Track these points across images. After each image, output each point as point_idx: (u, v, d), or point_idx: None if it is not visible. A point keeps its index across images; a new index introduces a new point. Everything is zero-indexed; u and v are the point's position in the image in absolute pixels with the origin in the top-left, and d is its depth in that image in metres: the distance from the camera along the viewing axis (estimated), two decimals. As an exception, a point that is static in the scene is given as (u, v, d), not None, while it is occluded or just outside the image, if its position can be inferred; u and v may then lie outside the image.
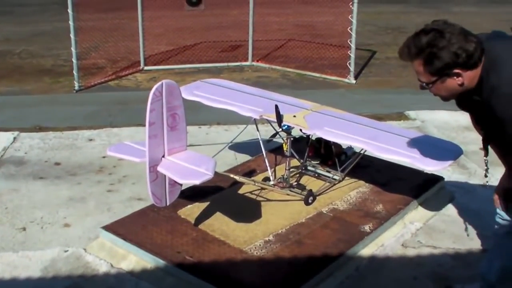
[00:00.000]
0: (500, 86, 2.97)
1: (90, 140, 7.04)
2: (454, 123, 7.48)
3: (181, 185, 4.14)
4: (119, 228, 4.59)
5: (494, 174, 3.83)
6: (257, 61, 11.19)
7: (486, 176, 3.76)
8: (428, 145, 4.67)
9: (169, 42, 12.01)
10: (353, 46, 10.09)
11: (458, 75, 3.05)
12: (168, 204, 4.15)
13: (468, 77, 3.06)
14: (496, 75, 3.01)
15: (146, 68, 10.60)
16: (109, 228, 4.62)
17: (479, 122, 3.44)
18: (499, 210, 3.77)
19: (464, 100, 3.28)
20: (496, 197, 3.75)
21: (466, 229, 4.88)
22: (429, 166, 4.46)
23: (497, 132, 3.14)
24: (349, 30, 10.04)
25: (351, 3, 9.87)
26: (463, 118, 3.60)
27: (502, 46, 3.11)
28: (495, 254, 3.95)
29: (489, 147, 3.50)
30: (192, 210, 4.81)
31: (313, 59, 11.28)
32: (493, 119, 3.07)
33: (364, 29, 13.03)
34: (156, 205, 4.15)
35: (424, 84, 3.15)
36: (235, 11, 12.52)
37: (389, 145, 4.62)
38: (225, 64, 10.99)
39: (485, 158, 3.56)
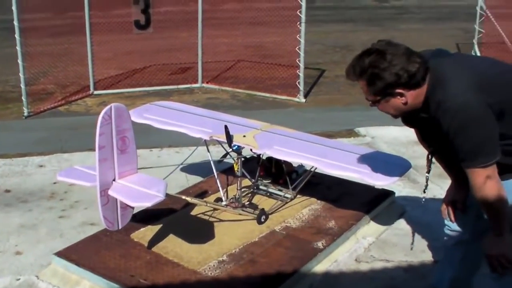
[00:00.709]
0: (446, 101, 3.05)
1: (41, 166, 6.96)
2: (403, 138, 7.58)
3: (133, 208, 4.13)
4: (71, 254, 4.54)
5: (442, 187, 3.91)
6: (207, 82, 11.20)
7: (424, 192, 3.86)
8: (377, 161, 4.72)
9: (119, 66, 11.95)
10: (301, 65, 10.19)
11: (401, 94, 3.14)
12: (120, 227, 4.13)
13: (411, 96, 3.15)
14: (442, 91, 3.09)
15: (96, 92, 10.53)
16: (61, 254, 4.56)
17: (425, 138, 3.53)
18: (447, 221, 3.85)
19: (411, 117, 3.36)
20: (443, 208, 3.83)
21: (412, 243, 4.94)
22: (379, 181, 4.53)
23: (444, 146, 3.21)
24: (297, 50, 10.13)
25: (298, 23, 9.97)
26: (413, 133, 3.68)
27: (445, 63, 3.20)
28: (446, 266, 4.02)
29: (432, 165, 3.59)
30: (145, 233, 4.79)
31: (263, 79, 11.34)
32: (440, 133, 3.15)
33: (312, 48, 13.15)
34: (109, 229, 4.13)
35: (370, 102, 3.23)
36: (184, 33, 12.51)
37: (339, 162, 4.67)
38: (175, 86, 10.98)
39: (427, 175, 3.64)
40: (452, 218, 3.80)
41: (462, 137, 3.06)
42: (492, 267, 3.31)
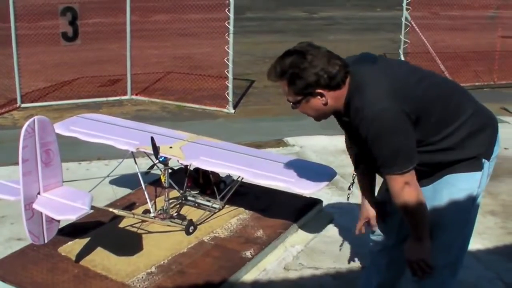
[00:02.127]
0: (363, 108, 3.12)
1: (-35, 181, 6.80)
2: (332, 147, 7.68)
3: (58, 221, 4.08)
4: (-3, 270, 4.48)
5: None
6: (136, 94, 11.12)
7: (349, 189, 3.94)
8: (303, 169, 4.78)
9: (47, 79, 11.77)
10: (230, 76, 10.23)
11: (321, 95, 3.19)
12: (46, 241, 4.08)
13: (331, 98, 3.21)
14: (360, 97, 3.16)
15: (23, 105, 10.33)
16: (-13, 270, 4.48)
17: (351, 139, 3.61)
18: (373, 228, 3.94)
19: (338, 120, 3.43)
20: (360, 225, 3.95)
21: (341, 245, 5.02)
22: (305, 189, 4.60)
23: (365, 150, 3.29)
24: (226, 61, 10.18)
25: (227, 34, 10.02)
26: (341, 142, 3.76)
27: (366, 69, 3.27)
28: (372, 271, 4.09)
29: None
30: (72, 247, 4.74)
31: (192, 91, 11.33)
32: (360, 138, 3.22)
33: (242, 59, 13.20)
34: (35, 244, 4.09)
35: (292, 104, 3.28)
36: (113, 45, 12.45)
37: (265, 171, 4.72)
38: (104, 98, 10.86)
39: (353, 172, 3.72)
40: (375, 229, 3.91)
41: (379, 144, 3.13)
42: (413, 271, 3.40)
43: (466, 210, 3.46)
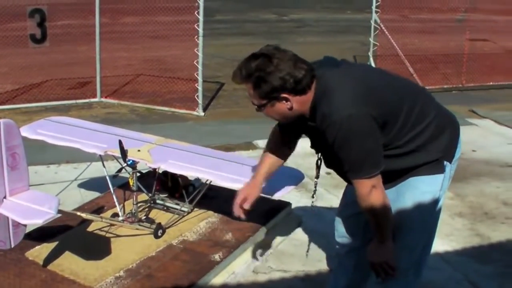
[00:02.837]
0: (330, 114, 3.13)
1: None
2: (300, 149, 7.61)
3: (25, 225, 4.05)
4: (-37, 275, 4.43)
5: (338, 196, 4.02)
6: (106, 97, 11.06)
7: (313, 197, 3.95)
8: (271, 173, 4.79)
9: (15, 81, 11.65)
10: (200, 79, 10.24)
11: (286, 99, 3.20)
12: (13, 246, 4.06)
13: (297, 102, 3.22)
14: (327, 103, 3.16)
15: (-10, 108, 10.27)
16: (-49, 276, 4.43)
17: (314, 146, 3.61)
18: (339, 229, 3.95)
19: (301, 125, 3.43)
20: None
21: (307, 250, 5.03)
22: (274, 192, 4.61)
23: (332, 155, 3.30)
24: (195, 63, 10.17)
25: (196, 36, 10.02)
26: (309, 144, 3.79)
27: (332, 74, 3.27)
28: (339, 274, 4.11)
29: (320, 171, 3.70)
30: (40, 251, 4.70)
31: (162, 93, 11.31)
32: (326, 143, 3.23)
33: (212, 62, 13.22)
34: (1, 248, 4.06)
35: (256, 107, 3.29)
36: (83, 47, 12.37)
37: (233, 175, 4.73)
38: (73, 101, 10.78)
39: (315, 180, 3.73)
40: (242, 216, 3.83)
41: (347, 149, 3.15)
42: (376, 273, 3.44)
43: (428, 212, 3.50)
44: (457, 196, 6.35)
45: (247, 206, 3.76)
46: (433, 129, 3.38)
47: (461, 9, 14.56)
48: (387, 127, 3.25)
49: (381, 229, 3.31)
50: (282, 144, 3.80)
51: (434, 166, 3.42)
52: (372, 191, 3.20)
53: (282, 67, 3.14)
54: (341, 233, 3.97)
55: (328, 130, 3.16)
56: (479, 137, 8.77)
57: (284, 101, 3.22)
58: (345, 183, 3.72)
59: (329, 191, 6.34)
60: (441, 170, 3.44)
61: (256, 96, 3.24)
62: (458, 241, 5.52)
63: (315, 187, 3.83)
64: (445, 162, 3.44)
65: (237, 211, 3.80)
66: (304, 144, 6.52)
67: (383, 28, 12.60)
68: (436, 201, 3.48)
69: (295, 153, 6.69)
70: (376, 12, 12.38)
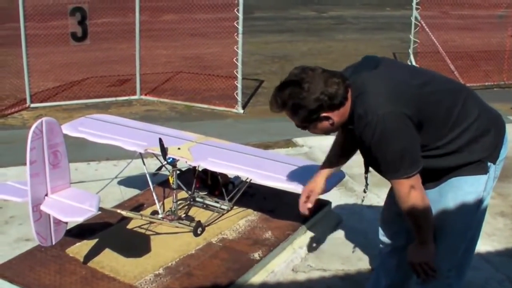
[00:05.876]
0: (366, 115, 3.13)
1: (-25, 181, 6.83)
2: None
3: (66, 223, 4.08)
4: (5, 271, 4.46)
5: (380, 195, 3.98)
6: (145, 94, 11.13)
7: (365, 191, 3.92)
8: (311, 171, 4.75)
9: (56, 78, 11.78)
10: (239, 76, 10.24)
11: (327, 118, 3.23)
12: (53, 243, 4.07)
13: (337, 116, 3.24)
14: (362, 105, 3.17)
15: (32, 105, 10.35)
16: (-6, 271, 4.48)
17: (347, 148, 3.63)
18: (382, 229, 3.93)
19: (342, 129, 3.43)
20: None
21: (353, 252, 5.01)
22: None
23: (369, 156, 3.28)
24: (235, 61, 10.17)
25: (236, 33, 10.02)
26: (349, 143, 3.79)
27: (366, 77, 3.27)
28: (381, 273, 4.09)
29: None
30: (80, 248, 4.73)
31: (201, 91, 11.33)
32: (363, 145, 3.22)
33: (251, 59, 13.22)
34: (42, 245, 4.09)
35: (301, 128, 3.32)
36: (123, 45, 12.44)
37: (273, 173, 4.72)
38: (113, 98, 10.87)
39: (365, 175, 3.70)
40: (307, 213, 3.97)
41: (383, 149, 3.14)
42: (416, 274, 3.40)
43: (471, 213, 3.45)
44: (499, 196, 6.26)
45: (310, 204, 3.89)
46: (476, 130, 3.33)
47: (503, 5, 14.32)
48: (424, 127, 3.22)
49: (421, 230, 3.28)
50: (341, 150, 3.87)
51: (477, 167, 3.37)
52: (411, 191, 3.17)
53: (314, 89, 3.14)
54: (384, 232, 3.94)
55: (364, 131, 3.16)
56: (521, 135, 8.62)
57: (325, 120, 3.23)
58: (386, 182, 3.68)
59: (369, 190, 6.29)
60: (485, 171, 3.38)
61: (297, 121, 3.28)
62: (499, 241, 5.45)
63: (366, 181, 3.79)
64: (488, 163, 3.38)
65: (302, 208, 3.92)
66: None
67: (424, 24, 12.46)
68: (479, 202, 3.43)
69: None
70: (417, 8, 12.26)
